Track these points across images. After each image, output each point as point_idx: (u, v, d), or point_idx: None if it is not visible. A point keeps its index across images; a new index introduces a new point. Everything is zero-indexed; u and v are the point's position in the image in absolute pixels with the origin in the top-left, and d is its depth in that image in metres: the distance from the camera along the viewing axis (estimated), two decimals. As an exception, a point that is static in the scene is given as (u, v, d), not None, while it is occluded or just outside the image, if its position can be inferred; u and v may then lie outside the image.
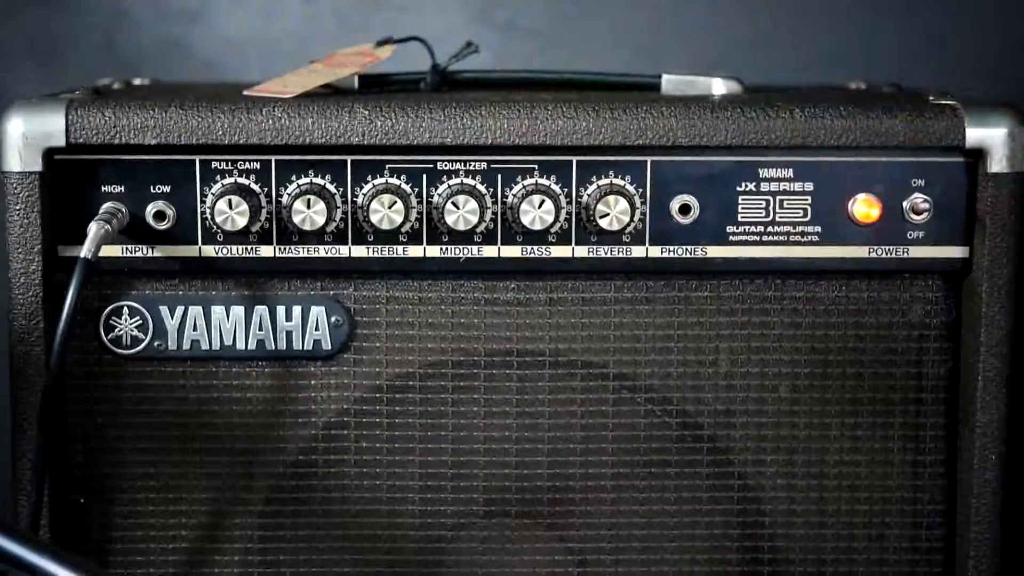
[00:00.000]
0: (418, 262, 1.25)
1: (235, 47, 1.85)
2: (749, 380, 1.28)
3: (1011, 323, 1.25)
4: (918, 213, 1.25)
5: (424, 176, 1.24)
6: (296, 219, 1.22)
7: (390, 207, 1.23)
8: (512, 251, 1.25)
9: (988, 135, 1.23)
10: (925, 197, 1.25)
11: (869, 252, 1.26)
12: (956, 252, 1.26)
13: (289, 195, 1.23)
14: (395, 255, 1.25)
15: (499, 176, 1.24)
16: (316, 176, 1.23)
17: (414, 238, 1.25)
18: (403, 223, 1.23)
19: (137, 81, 1.52)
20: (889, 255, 1.26)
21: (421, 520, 1.29)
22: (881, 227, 1.25)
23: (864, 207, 1.25)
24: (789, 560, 1.30)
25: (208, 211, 1.23)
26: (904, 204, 1.25)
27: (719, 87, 1.37)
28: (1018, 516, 1.35)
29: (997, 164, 1.24)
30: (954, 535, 1.29)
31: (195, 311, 1.26)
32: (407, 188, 1.24)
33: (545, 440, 1.28)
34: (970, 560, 1.27)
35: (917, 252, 1.26)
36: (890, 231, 1.25)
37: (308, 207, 1.22)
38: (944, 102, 1.26)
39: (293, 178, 1.23)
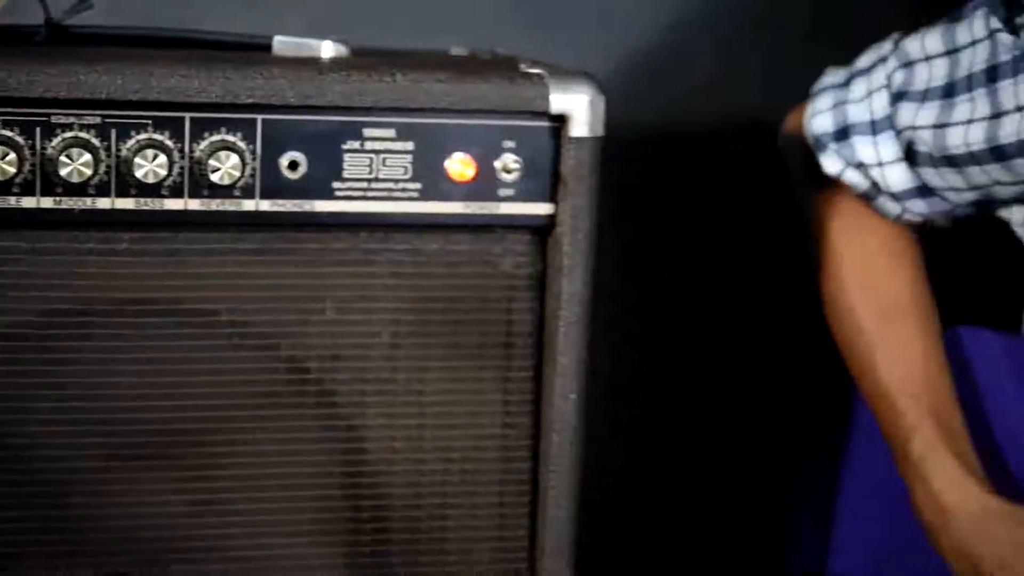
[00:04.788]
0: (33, 213, 1.27)
1: None
2: (354, 327, 1.35)
3: (589, 274, 1.36)
4: (509, 172, 1.34)
5: (38, 129, 1.26)
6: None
7: (2, 159, 1.25)
8: (127, 203, 1.29)
9: (570, 101, 1.33)
10: (516, 158, 1.34)
11: (465, 208, 1.35)
12: (543, 209, 1.36)
13: None
14: (8, 206, 1.27)
15: (113, 130, 1.28)
16: (-75, 127, 1.24)
17: (28, 189, 1.27)
18: (16, 175, 1.25)
19: None
20: (483, 211, 1.35)
21: (42, 465, 1.32)
22: (476, 185, 1.34)
23: (460, 166, 1.34)
24: (390, 495, 1.38)
25: None
26: (496, 164, 1.34)
27: (328, 50, 1.42)
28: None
29: (578, 129, 1.34)
30: (538, 467, 1.40)
31: None
32: (20, 140, 1.26)
33: (162, 385, 1.33)
34: (551, 490, 1.38)
35: (508, 208, 1.35)
36: (484, 189, 1.34)
37: (-77, 156, 1.23)
38: (532, 70, 1.36)
39: None
